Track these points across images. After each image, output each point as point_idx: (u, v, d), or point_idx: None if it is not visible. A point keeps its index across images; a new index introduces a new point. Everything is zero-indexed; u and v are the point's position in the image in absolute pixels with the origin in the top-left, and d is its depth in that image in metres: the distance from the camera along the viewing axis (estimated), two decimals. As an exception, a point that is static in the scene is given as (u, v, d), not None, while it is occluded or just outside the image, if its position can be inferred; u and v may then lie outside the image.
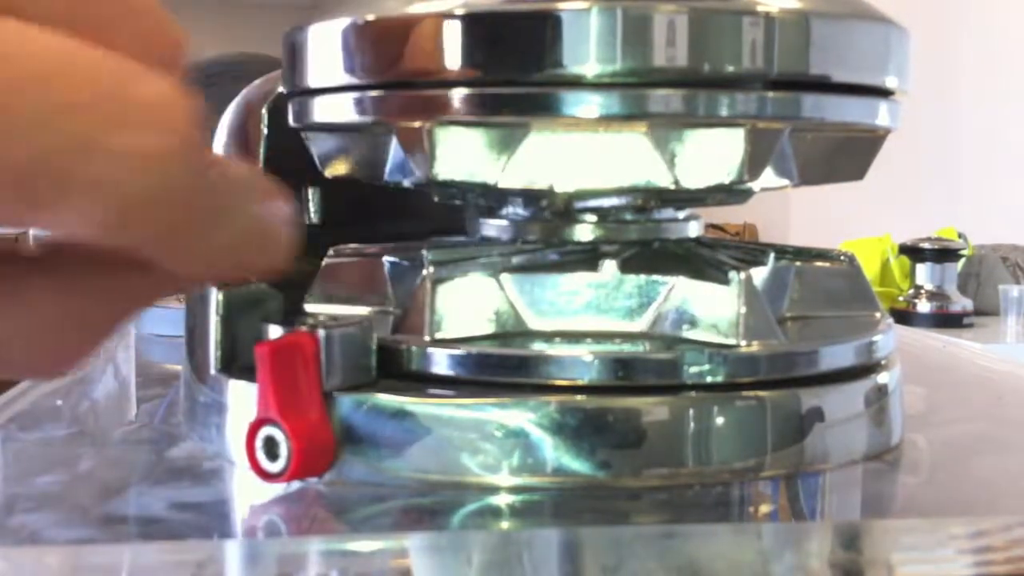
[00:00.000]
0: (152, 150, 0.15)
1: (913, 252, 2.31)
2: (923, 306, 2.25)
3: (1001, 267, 2.48)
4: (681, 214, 0.40)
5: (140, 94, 0.15)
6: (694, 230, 0.40)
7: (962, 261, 2.35)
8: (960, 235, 2.48)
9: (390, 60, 0.35)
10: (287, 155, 0.44)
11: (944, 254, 2.28)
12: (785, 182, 0.37)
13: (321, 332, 0.31)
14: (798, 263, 0.39)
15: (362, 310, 0.41)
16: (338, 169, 0.40)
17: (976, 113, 3.19)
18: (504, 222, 0.39)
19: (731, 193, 0.37)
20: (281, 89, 0.44)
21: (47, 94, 0.15)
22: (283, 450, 0.30)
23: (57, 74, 0.15)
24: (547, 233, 0.38)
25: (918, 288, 2.28)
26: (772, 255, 0.38)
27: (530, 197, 0.38)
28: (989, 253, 2.48)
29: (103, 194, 0.15)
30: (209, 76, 0.61)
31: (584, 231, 0.38)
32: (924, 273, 2.28)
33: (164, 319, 0.61)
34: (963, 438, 0.40)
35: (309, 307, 0.41)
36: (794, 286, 0.39)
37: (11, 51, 0.15)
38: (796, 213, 3.98)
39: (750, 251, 0.39)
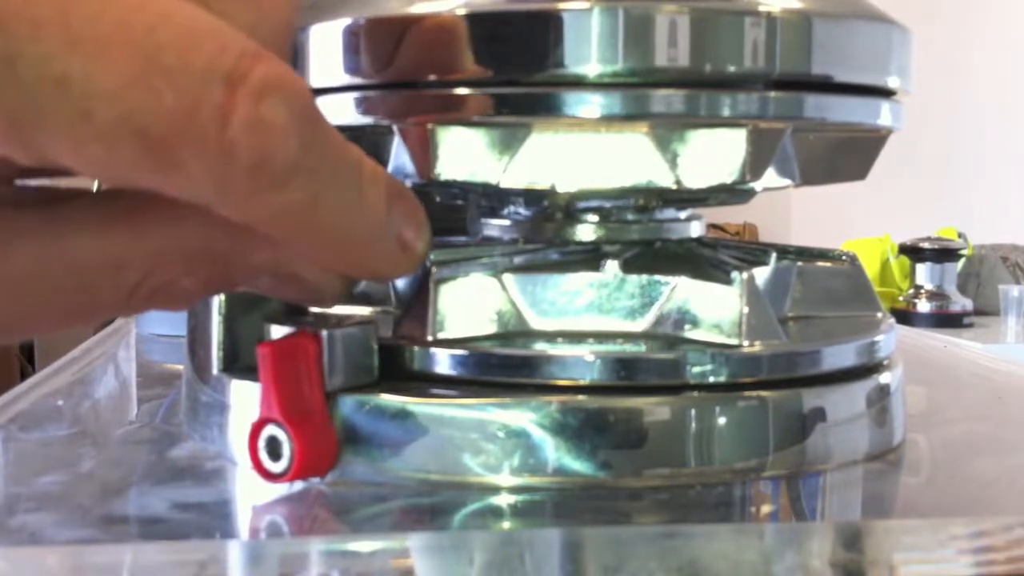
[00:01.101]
0: (279, 119, 0.16)
1: (913, 252, 2.31)
2: (923, 306, 2.25)
3: (1001, 267, 2.48)
4: (683, 214, 0.40)
5: (266, 70, 0.15)
6: (696, 230, 0.40)
7: (962, 261, 2.35)
8: (960, 235, 2.48)
9: (391, 60, 0.35)
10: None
11: (944, 254, 2.29)
12: (787, 182, 0.37)
13: (323, 332, 0.31)
14: (800, 263, 0.39)
15: (364, 310, 0.41)
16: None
17: (976, 113, 3.19)
18: (506, 222, 0.39)
19: (733, 193, 0.37)
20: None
21: (196, 58, 0.15)
22: (285, 450, 0.30)
23: (204, 39, 0.15)
24: (549, 233, 0.38)
25: (918, 288, 2.29)
26: (774, 255, 0.38)
27: (532, 197, 0.38)
28: (989, 253, 2.49)
29: (231, 158, 0.15)
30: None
31: (586, 231, 0.38)
32: (924, 273, 2.28)
33: (165, 319, 0.61)
34: (964, 438, 0.40)
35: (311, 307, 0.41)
36: (796, 286, 0.39)
37: (171, 10, 0.15)
38: (797, 213, 3.98)
39: (752, 251, 0.39)
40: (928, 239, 2.33)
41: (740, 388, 0.33)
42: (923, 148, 3.04)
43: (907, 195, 3.16)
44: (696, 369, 0.32)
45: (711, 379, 0.32)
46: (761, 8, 0.34)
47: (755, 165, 0.33)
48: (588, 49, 0.33)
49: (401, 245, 0.21)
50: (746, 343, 0.32)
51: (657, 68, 0.33)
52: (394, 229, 0.21)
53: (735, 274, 0.33)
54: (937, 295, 2.28)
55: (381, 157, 0.38)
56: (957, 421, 0.43)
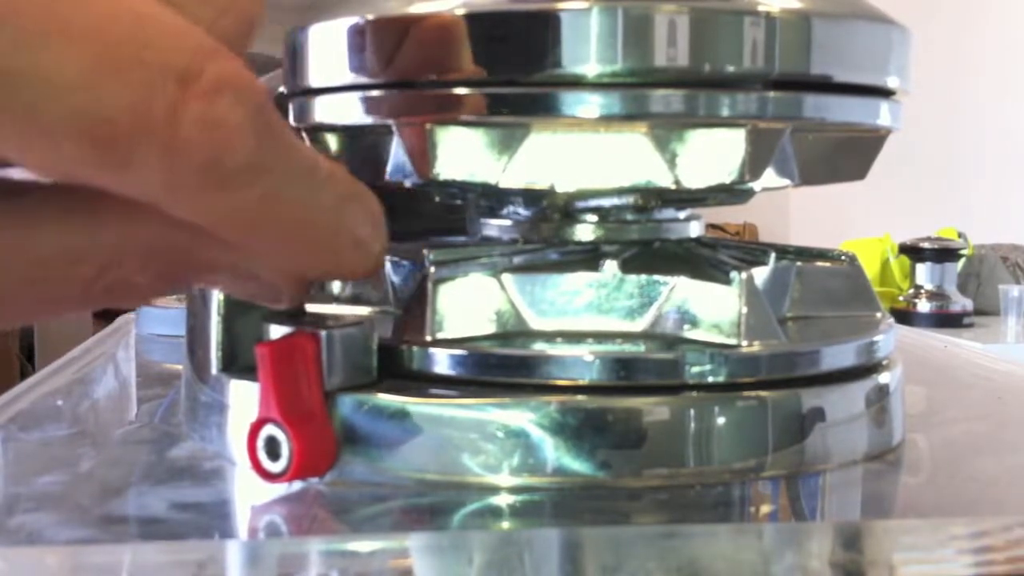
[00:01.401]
0: (232, 118, 0.16)
1: (913, 252, 2.31)
2: (923, 306, 2.25)
3: (1001, 267, 2.48)
4: (682, 214, 0.40)
5: (220, 68, 0.15)
6: (695, 230, 0.40)
7: (962, 261, 2.35)
8: (960, 235, 2.48)
9: (391, 60, 0.35)
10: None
11: (944, 254, 2.28)
12: (786, 182, 0.37)
13: (322, 332, 0.31)
14: (799, 263, 0.39)
15: (363, 310, 0.41)
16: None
17: (976, 113, 3.19)
18: (505, 222, 0.39)
19: (732, 193, 0.37)
20: (282, 89, 0.44)
21: (148, 55, 0.15)
22: (284, 450, 0.30)
23: (158, 36, 0.15)
24: (548, 233, 0.38)
25: (918, 288, 2.29)
26: (773, 255, 0.38)
27: (531, 197, 0.38)
28: (989, 253, 2.48)
29: (182, 157, 0.15)
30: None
31: (585, 231, 0.38)
32: (924, 273, 2.28)
33: (164, 319, 0.61)
34: (964, 438, 0.40)
35: (310, 307, 0.41)
36: (795, 286, 0.39)
37: (123, 6, 0.15)
38: (796, 213, 3.98)
39: (751, 251, 0.39)
40: (928, 239, 2.33)
41: (739, 388, 0.33)
42: (923, 148, 3.04)
43: (907, 195, 3.16)
44: (695, 369, 0.32)
45: (710, 379, 0.32)
46: (760, 8, 0.34)
47: (754, 165, 0.33)
48: (587, 49, 0.33)
49: (356, 244, 0.21)
50: (745, 343, 0.32)
51: (656, 68, 0.33)
52: (349, 228, 0.21)
53: (734, 274, 0.33)
54: (937, 295, 2.28)
55: (380, 157, 0.38)
56: (957, 421, 0.43)
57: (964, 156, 3.22)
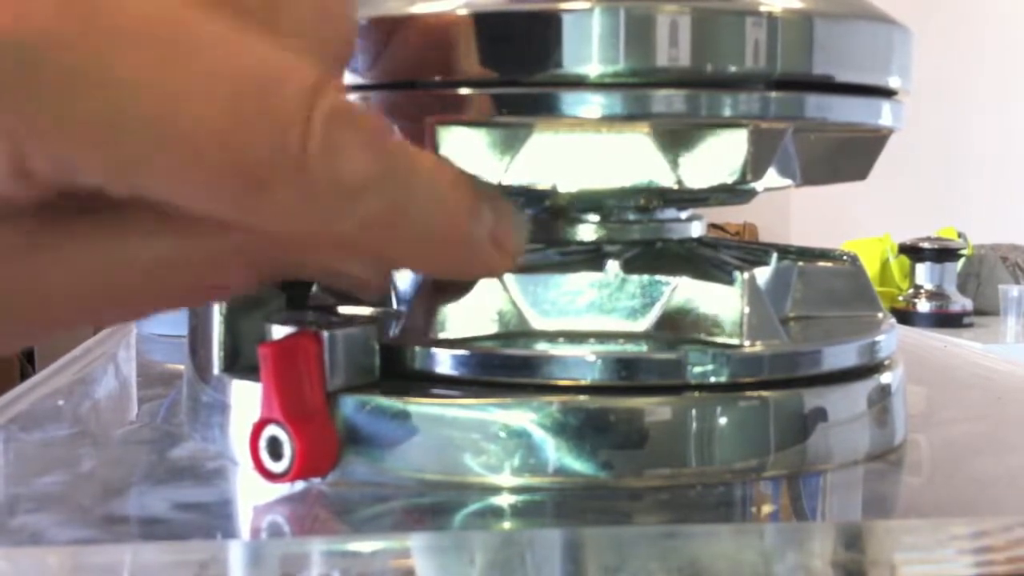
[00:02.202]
0: (350, 141, 0.17)
1: (913, 252, 2.31)
2: (923, 306, 2.25)
3: (1001, 267, 2.48)
4: (684, 214, 0.40)
5: (334, 99, 0.17)
6: (697, 230, 0.40)
7: (962, 261, 2.35)
8: (960, 235, 2.48)
9: (392, 60, 0.35)
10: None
11: (944, 254, 2.28)
12: (788, 182, 0.37)
13: (324, 332, 0.31)
14: (801, 263, 0.39)
15: (365, 310, 0.41)
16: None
17: (976, 113, 3.19)
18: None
19: (734, 193, 0.37)
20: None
21: (275, 94, 0.16)
22: (287, 450, 0.30)
23: (283, 80, 0.16)
24: (549, 233, 0.38)
25: (918, 288, 2.29)
26: (775, 255, 0.38)
27: (533, 197, 0.38)
28: (989, 253, 2.48)
29: (312, 182, 0.17)
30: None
31: (587, 231, 0.38)
32: (924, 273, 2.28)
33: (165, 319, 0.61)
34: (964, 438, 0.40)
35: (312, 306, 0.41)
36: (797, 286, 0.39)
37: (248, 53, 0.16)
38: (796, 213, 3.98)
39: (753, 251, 0.39)
40: (928, 239, 2.33)
41: (741, 388, 0.33)
42: (923, 148, 3.04)
43: (907, 195, 3.16)
44: (697, 369, 0.32)
45: (712, 379, 0.32)
46: (762, 8, 0.34)
47: (756, 165, 0.33)
48: (589, 49, 0.33)
49: (495, 244, 0.22)
50: (747, 343, 0.32)
51: (658, 68, 0.33)
52: (485, 229, 0.22)
53: (736, 274, 0.33)
54: (937, 295, 2.28)
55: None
56: (957, 421, 0.43)
57: (963, 156, 3.22)
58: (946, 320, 2.23)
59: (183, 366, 0.54)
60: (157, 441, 0.38)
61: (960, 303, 2.27)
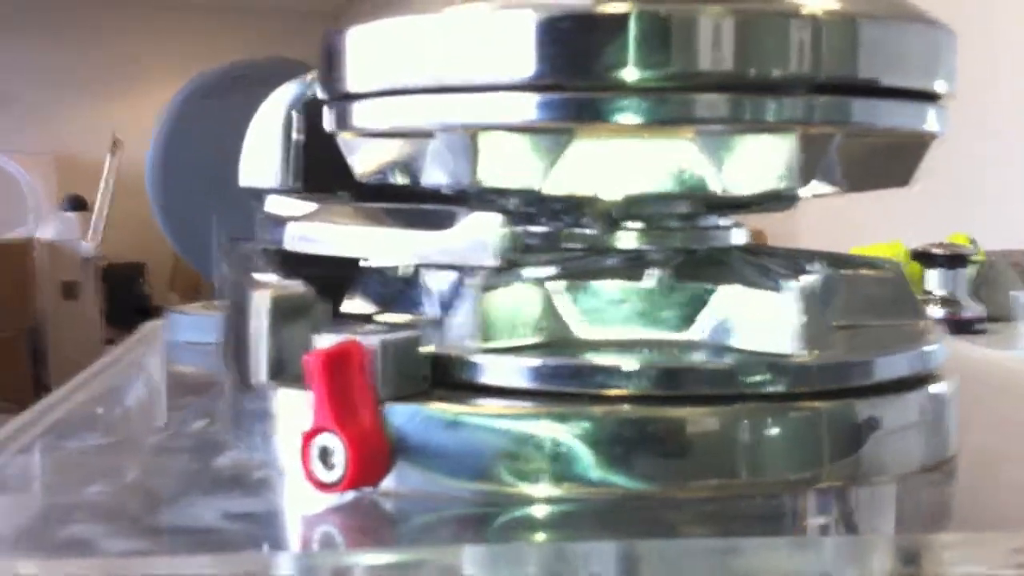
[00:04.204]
0: None
1: (924, 258, 2.30)
2: (935, 312, 2.24)
3: (1012, 273, 2.47)
4: (725, 221, 0.40)
5: None
6: (738, 238, 0.39)
7: (973, 267, 2.34)
8: (971, 241, 2.47)
9: (433, 64, 0.34)
10: (317, 159, 0.44)
11: (955, 260, 2.27)
12: (833, 189, 0.37)
13: (375, 341, 0.31)
14: (844, 271, 0.39)
15: (401, 316, 0.40)
16: (375, 175, 0.40)
17: (987, 118, 3.19)
18: (546, 229, 0.39)
19: (778, 200, 0.37)
20: (312, 93, 0.44)
21: None
22: (339, 459, 0.30)
23: None
24: (590, 241, 0.38)
25: (929, 294, 2.28)
26: (818, 263, 0.38)
27: (574, 204, 0.38)
28: (1000, 259, 2.47)
29: None
30: (234, 80, 0.61)
31: (629, 239, 0.38)
32: (935, 279, 2.27)
33: (194, 326, 0.60)
34: (1019, 448, 0.40)
35: (346, 311, 0.41)
36: (841, 295, 0.38)
37: None
38: (805, 220, 3.97)
39: (794, 259, 0.39)
40: (939, 245, 2.32)
41: (794, 398, 0.32)
42: (933, 153, 3.03)
43: (917, 201, 3.15)
44: (752, 379, 0.32)
45: (767, 389, 0.32)
46: (806, 11, 0.34)
47: (804, 171, 0.33)
48: (631, 53, 0.32)
49: None
50: (802, 353, 0.32)
51: (701, 72, 0.33)
52: None
53: (789, 282, 0.33)
54: (949, 301, 2.27)
55: (416, 163, 0.38)
56: (1009, 430, 0.43)
57: (975, 162, 3.21)
58: (959, 327, 2.21)
59: (213, 373, 0.54)
60: (199, 450, 0.38)
61: (972, 309, 2.26)
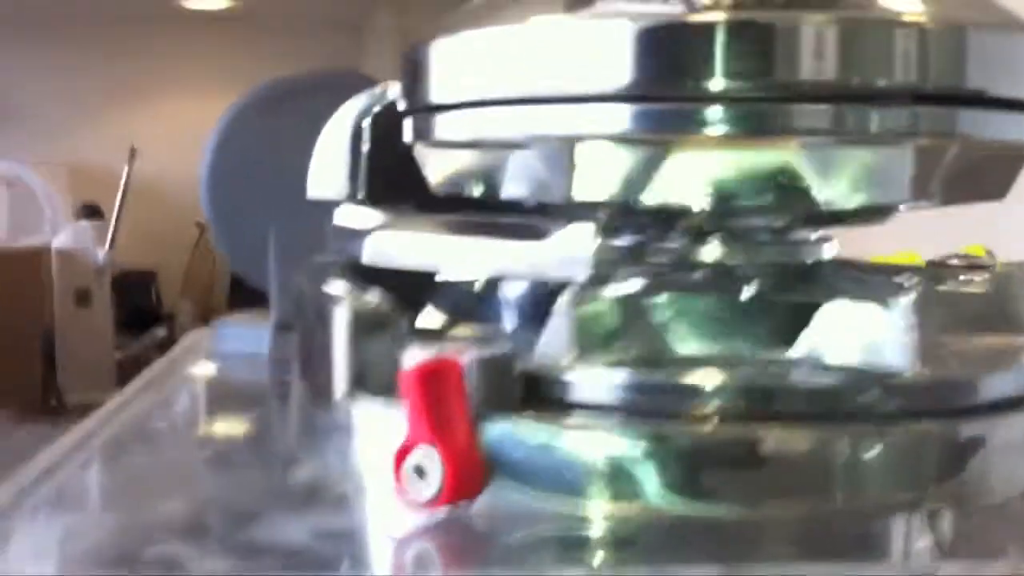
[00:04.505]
0: None
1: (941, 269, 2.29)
2: (956, 326, 2.23)
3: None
4: (815, 235, 0.38)
5: None
6: (829, 252, 0.38)
7: (994, 281, 2.32)
8: (987, 252, 2.46)
9: (525, 75, 0.33)
10: (380, 171, 0.43)
11: (972, 271, 2.26)
12: (927, 203, 0.36)
13: (469, 355, 0.30)
14: (942, 284, 0.37)
15: (476, 330, 0.39)
16: (450, 186, 0.39)
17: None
18: (630, 242, 0.38)
19: (875, 214, 0.36)
20: (382, 105, 0.43)
21: None
22: (434, 475, 0.29)
23: None
24: (677, 254, 0.37)
25: (950, 308, 2.26)
26: (914, 276, 0.37)
27: (663, 216, 0.37)
28: (1016, 270, 2.46)
29: None
30: (295, 92, 0.60)
31: (716, 252, 0.37)
32: (955, 293, 2.25)
33: (242, 337, 0.59)
34: None
35: (422, 325, 0.40)
36: (937, 308, 0.37)
37: None
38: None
39: (889, 272, 0.37)
40: (956, 256, 2.31)
41: (898, 417, 0.31)
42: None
43: (933, 211, 3.13)
44: (863, 398, 0.30)
45: (877, 408, 0.30)
46: (911, 18, 0.33)
47: (917, 184, 0.32)
48: (730, 63, 0.31)
49: None
50: (912, 370, 0.31)
51: (802, 82, 0.32)
52: None
53: (897, 297, 0.31)
54: (971, 315, 2.25)
55: (495, 175, 0.37)
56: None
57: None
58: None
59: (264, 384, 0.53)
60: (270, 463, 0.37)
61: (994, 324, 2.24)
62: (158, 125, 4.70)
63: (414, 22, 3.76)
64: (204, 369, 0.58)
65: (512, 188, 0.37)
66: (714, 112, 0.32)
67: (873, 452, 0.31)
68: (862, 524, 0.31)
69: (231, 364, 0.58)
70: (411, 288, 0.39)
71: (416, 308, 0.40)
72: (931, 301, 0.36)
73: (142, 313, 4.38)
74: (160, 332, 4.14)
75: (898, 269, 0.38)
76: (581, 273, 0.32)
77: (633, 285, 0.34)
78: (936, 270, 0.39)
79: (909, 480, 0.31)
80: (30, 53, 4.69)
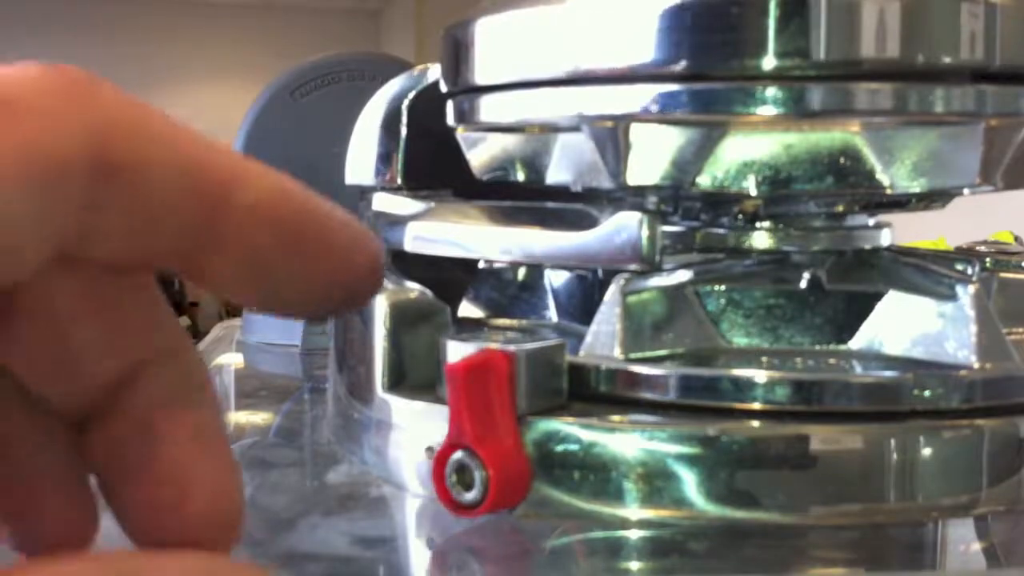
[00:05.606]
0: None
1: (974, 256, 2.26)
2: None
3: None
4: (872, 221, 0.37)
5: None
6: (886, 238, 0.36)
7: None
8: (1016, 238, 2.42)
9: (573, 54, 0.32)
10: (417, 156, 0.42)
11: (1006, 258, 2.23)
12: (988, 187, 0.34)
13: (516, 349, 0.28)
14: (1002, 274, 0.36)
15: (518, 321, 0.38)
16: (494, 171, 0.37)
17: None
18: (680, 228, 0.36)
19: (936, 198, 0.34)
20: (419, 89, 0.42)
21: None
22: (477, 479, 0.27)
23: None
24: (728, 241, 0.35)
25: (980, 293, 2.23)
26: (974, 265, 0.35)
27: (716, 201, 0.35)
28: (1047, 258, 2.42)
29: None
30: (326, 75, 0.59)
31: (769, 238, 0.35)
32: (985, 278, 2.22)
33: (272, 327, 0.58)
34: None
35: (463, 316, 0.39)
36: (997, 299, 0.35)
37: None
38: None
39: (949, 261, 0.36)
40: (984, 243, 2.27)
41: (960, 414, 0.29)
42: None
43: (960, 197, 3.09)
44: (926, 393, 0.29)
45: (940, 404, 0.29)
46: (977, -6, 0.31)
47: (988, 167, 0.30)
48: (789, 40, 0.30)
49: None
50: (979, 364, 0.29)
51: (864, 59, 0.30)
52: None
53: (962, 288, 0.30)
54: (1002, 301, 2.22)
55: (540, 159, 0.36)
56: None
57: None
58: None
59: (296, 377, 0.51)
60: (304, 463, 0.36)
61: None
62: (181, 112, 4.69)
63: (433, 8, 3.74)
64: (233, 361, 0.57)
65: (558, 172, 0.35)
66: (771, 92, 0.30)
67: (931, 451, 0.29)
68: (915, 529, 0.29)
69: (261, 356, 0.57)
70: (453, 278, 0.38)
71: (456, 299, 0.39)
72: (992, 291, 0.34)
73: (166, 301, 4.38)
74: (184, 322, 4.15)
75: (959, 258, 0.36)
76: (634, 263, 0.31)
77: (685, 274, 0.32)
78: (995, 258, 0.37)
79: (965, 481, 0.30)
80: (53, 42, 4.70)
